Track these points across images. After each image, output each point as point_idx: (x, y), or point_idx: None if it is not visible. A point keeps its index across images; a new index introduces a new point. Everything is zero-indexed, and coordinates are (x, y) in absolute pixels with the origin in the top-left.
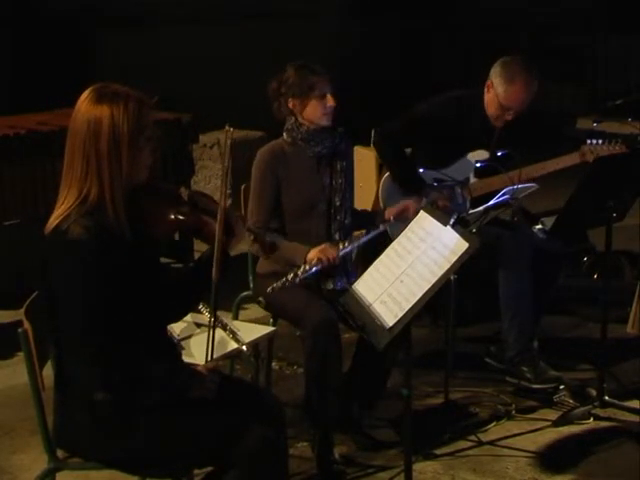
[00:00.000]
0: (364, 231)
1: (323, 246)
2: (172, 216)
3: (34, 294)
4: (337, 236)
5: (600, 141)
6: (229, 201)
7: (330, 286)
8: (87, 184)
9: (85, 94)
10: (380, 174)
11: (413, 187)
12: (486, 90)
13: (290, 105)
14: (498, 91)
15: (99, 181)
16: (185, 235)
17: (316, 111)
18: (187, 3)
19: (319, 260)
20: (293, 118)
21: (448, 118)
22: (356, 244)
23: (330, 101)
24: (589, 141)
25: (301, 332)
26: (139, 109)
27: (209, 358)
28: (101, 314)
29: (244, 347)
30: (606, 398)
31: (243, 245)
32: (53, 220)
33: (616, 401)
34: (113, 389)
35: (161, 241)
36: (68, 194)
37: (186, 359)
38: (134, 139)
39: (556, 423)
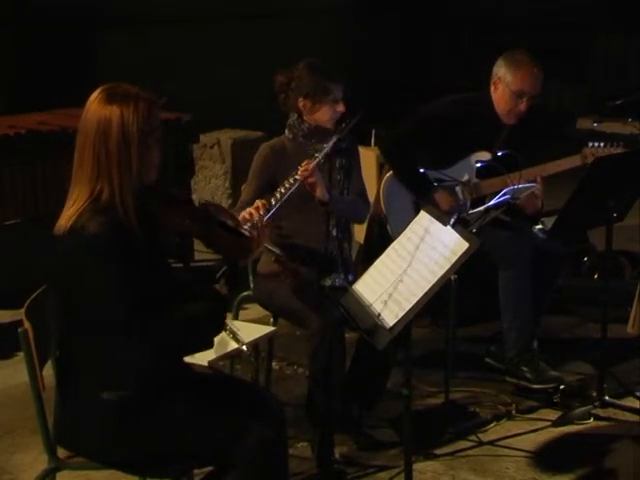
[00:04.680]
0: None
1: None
2: (181, 220)
3: (34, 294)
4: (334, 232)
5: (602, 144)
6: (229, 201)
7: (328, 282)
8: (98, 184)
9: (95, 94)
10: (381, 174)
11: (426, 193)
12: (494, 89)
13: (300, 104)
14: (507, 80)
15: (109, 181)
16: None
17: (326, 115)
18: (187, 3)
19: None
20: (296, 115)
21: (455, 119)
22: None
23: (341, 107)
24: (590, 144)
25: (305, 331)
26: (149, 110)
27: None
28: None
29: (244, 347)
30: (606, 398)
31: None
32: (66, 221)
33: (616, 401)
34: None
35: (169, 244)
36: (79, 194)
37: (187, 358)
38: (143, 139)
39: (556, 423)
